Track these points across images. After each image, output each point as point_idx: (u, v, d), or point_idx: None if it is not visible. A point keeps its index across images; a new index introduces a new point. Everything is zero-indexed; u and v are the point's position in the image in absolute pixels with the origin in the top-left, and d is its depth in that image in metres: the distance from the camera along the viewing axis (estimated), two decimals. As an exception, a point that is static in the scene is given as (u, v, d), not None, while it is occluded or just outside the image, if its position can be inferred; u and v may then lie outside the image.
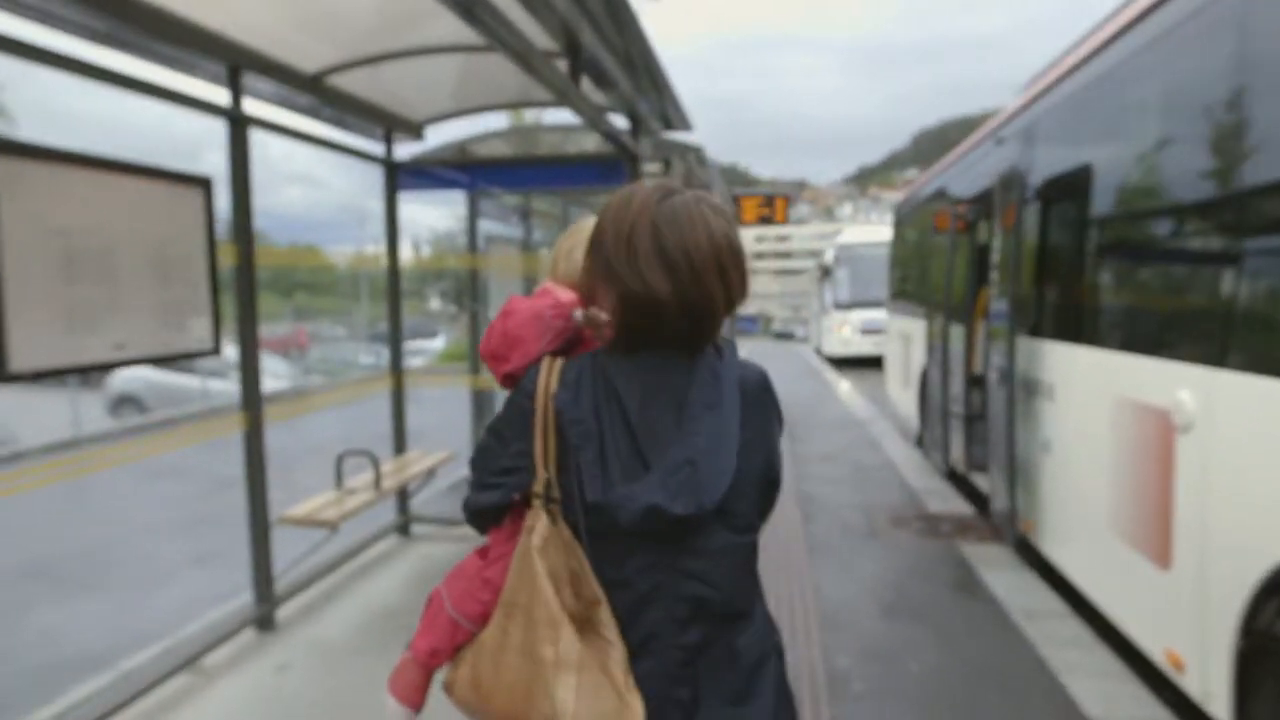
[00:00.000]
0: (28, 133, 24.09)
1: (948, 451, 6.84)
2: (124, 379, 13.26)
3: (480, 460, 1.35)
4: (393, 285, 5.18)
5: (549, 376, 1.27)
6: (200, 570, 5.60)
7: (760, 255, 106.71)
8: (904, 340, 9.56)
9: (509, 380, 1.37)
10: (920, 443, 8.64)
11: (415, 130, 5.16)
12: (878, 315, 20.10)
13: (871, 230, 26.07)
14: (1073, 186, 4.36)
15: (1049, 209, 4.73)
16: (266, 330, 24.03)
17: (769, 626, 1.37)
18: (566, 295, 1.45)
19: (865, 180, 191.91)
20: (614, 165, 4.71)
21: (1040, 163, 4.82)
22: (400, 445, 5.21)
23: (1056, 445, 4.44)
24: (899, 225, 10.66)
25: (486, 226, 6.67)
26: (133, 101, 3.62)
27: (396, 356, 5.27)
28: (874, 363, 19.67)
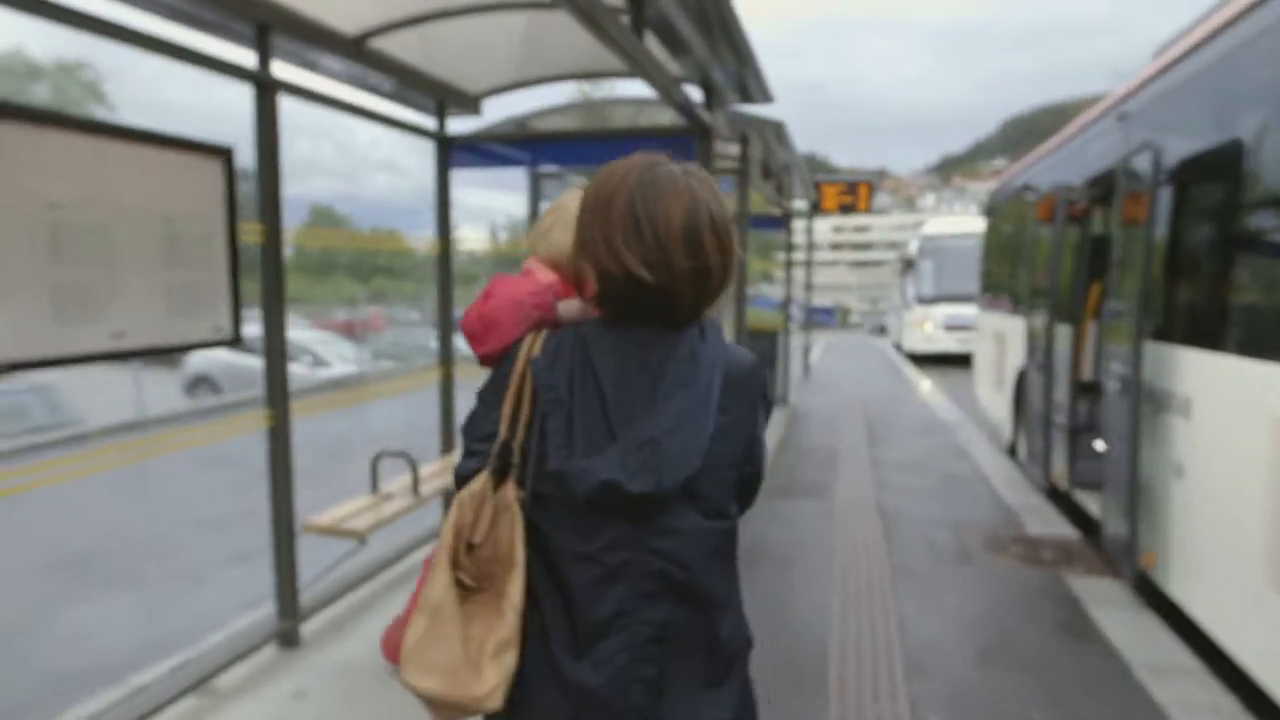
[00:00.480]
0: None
1: (1048, 465, 6.16)
2: (201, 359, 13.43)
3: (469, 427, 1.35)
4: (443, 270, 4.83)
5: (533, 343, 1.29)
6: (238, 569, 5.37)
7: (837, 246, 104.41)
8: (997, 339, 8.83)
9: (486, 360, 1.38)
10: (1013, 452, 7.94)
11: (471, 104, 4.78)
12: (963, 311, 19.18)
13: (957, 221, 24.92)
14: (1219, 167, 3.70)
15: (1188, 194, 4.06)
16: (343, 313, 24.39)
17: (744, 619, 1.37)
18: (547, 276, 1.44)
19: (949, 170, 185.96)
20: (685, 141, 4.24)
21: (1178, 140, 4.15)
22: (447, 443, 4.86)
23: (1192, 469, 3.80)
24: (993, 215, 9.90)
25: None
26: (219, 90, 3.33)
27: (446, 346, 4.91)
28: (957, 360, 18.84)
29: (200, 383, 13.63)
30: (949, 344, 19.25)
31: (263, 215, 3.30)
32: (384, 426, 7.68)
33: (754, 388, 1.30)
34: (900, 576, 4.61)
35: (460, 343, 3.04)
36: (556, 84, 4.95)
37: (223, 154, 3.01)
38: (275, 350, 3.40)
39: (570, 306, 1.37)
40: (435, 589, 1.22)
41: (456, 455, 4.76)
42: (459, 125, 4.83)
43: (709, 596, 1.26)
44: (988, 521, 5.74)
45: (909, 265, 21.13)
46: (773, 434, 7.98)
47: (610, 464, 1.16)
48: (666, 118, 5.05)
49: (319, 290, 37.92)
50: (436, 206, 4.74)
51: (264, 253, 3.32)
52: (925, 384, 14.06)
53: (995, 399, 8.96)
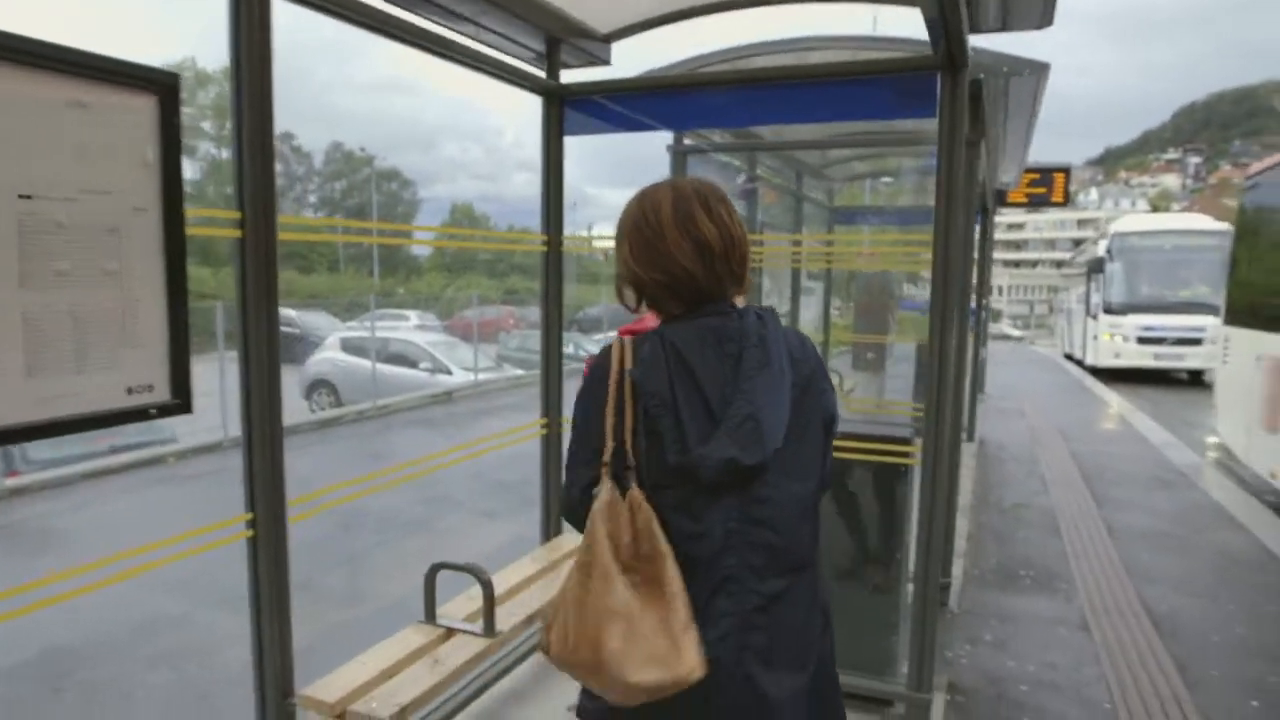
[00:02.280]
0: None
1: None
2: (315, 361, 12.84)
3: (575, 450, 1.43)
4: (552, 273, 3.48)
5: (622, 355, 1.37)
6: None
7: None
8: (1271, 369, 6.76)
9: None
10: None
11: (596, 46, 3.42)
12: (1161, 321, 16.57)
13: (1155, 219, 21.91)
14: None
15: None
16: (475, 312, 23.88)
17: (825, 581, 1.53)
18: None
19: (1113, 163, 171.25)
20: (915, 84, 2.73)
21: None
22: (552, 525, 3.49)
23: None
24: (1256, 210, 7.75)
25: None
26: None
27: (553, 386, 3.56)
28: (1147, 377, 16.24)
29: (319, 386, 13.01)
30: (1143, 359, 16.69)
31: (239, 184, 2.02)
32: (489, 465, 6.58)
33: (812, 357, 1.47)
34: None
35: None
36: (719, 20, 3.50)
37: (159, 87, 1.74)
38: (263, 389, 2.12)
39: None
40: (617, 597, 1.30)
41: (567, 540, 3.43)
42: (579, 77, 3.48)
43: (802, 559, 1.42)
44: (1330, 650, 3.91)
45: (1096, 268, 18.45)
46: (963, 479, 6.26)
47: (724, 444, 1.32)
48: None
49: (450, 290, 38.12)
50: (545, 184, 3.41)
51: (241, 248, 2.04)
52: (1126, 409, 11.76)
53: (1266, 444, 6.88)
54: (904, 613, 3.21)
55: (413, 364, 13.35)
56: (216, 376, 9.86)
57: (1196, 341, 16.12)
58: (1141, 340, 16.69)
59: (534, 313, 30.28)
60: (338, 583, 5.55)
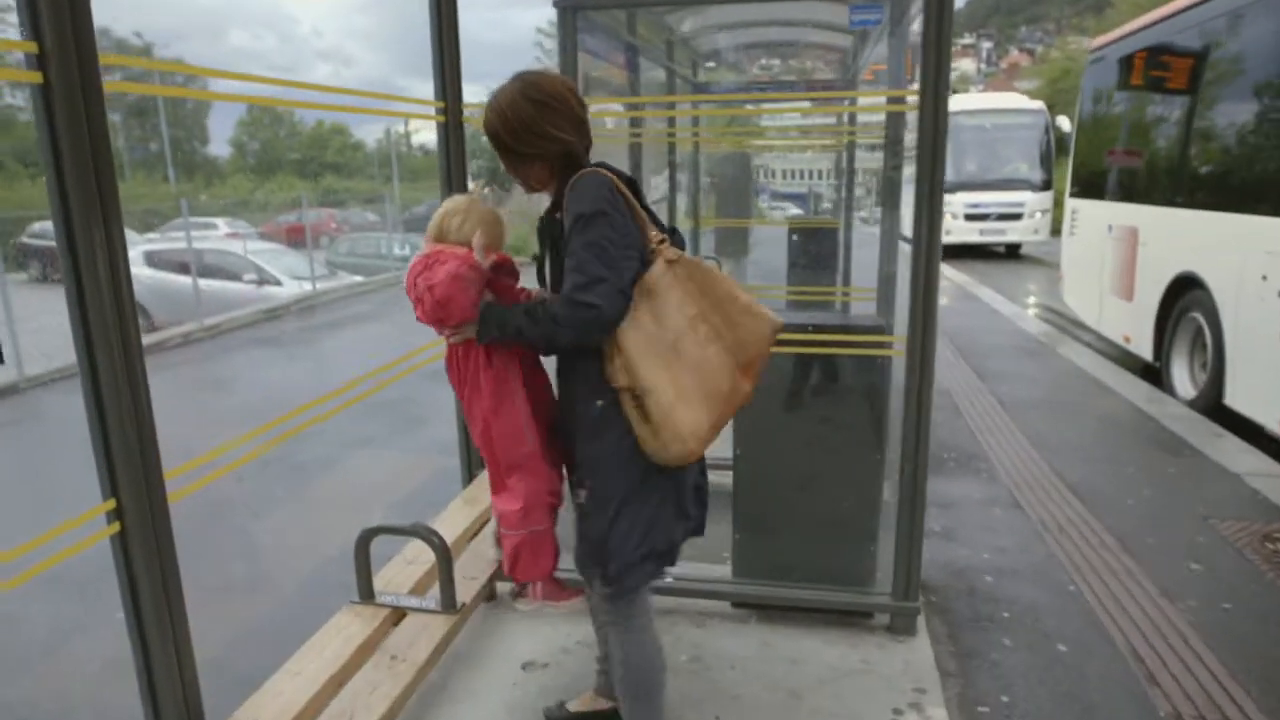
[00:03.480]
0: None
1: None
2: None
3: (618, 257, 1.76)
4: (454, 143, 2.81)
5: (612, 177, 1.83)
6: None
7: (805, 130, 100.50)
8: (1124, 237, 7.03)
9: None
10: (1160, 379, 6.32)
11: None
12: (983, 198, 17.44)
13: (976, 99, 22.72)
14: None
15: None
16: (284, 217, 21.75)
17: None
18: (461, 251, 1.92)
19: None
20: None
21: None
22: (474, 459, 2.92)
23: None
24: (1109, 79, 7.91)
25: (590, 65, 4.28)
26: None
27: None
28: (966, 252, 17.11)
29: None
30: (970, 235, 17.57)
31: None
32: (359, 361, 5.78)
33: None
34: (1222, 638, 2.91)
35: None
36: None
37: None
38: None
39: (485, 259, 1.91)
40: (720, 376, 1.84)
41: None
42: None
43: None
44: (1220, 495, 4.07)
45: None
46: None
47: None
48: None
49: (260, 194, 34.78)
50: (435, 39, 2.69)
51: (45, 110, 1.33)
52: (968, 283, 12.31)
53: (1118, 311, 7.24)
54: (883, 520, 2.95)
55: (235, 276, 11.88)
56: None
57: (1017, 216, 17.13)
58: (969, 217, 17.53)
59: (356, 216, 28.06)
60: (218, 567, 4.24)
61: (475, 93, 2.87)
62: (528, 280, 2.10)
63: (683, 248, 1.94)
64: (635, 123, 5.57)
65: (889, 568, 2.90)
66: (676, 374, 1.78)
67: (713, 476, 2.24)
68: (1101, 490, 4.26)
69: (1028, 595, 3.21)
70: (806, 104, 10.66)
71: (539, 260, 2.00)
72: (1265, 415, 4.95)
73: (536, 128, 1.83)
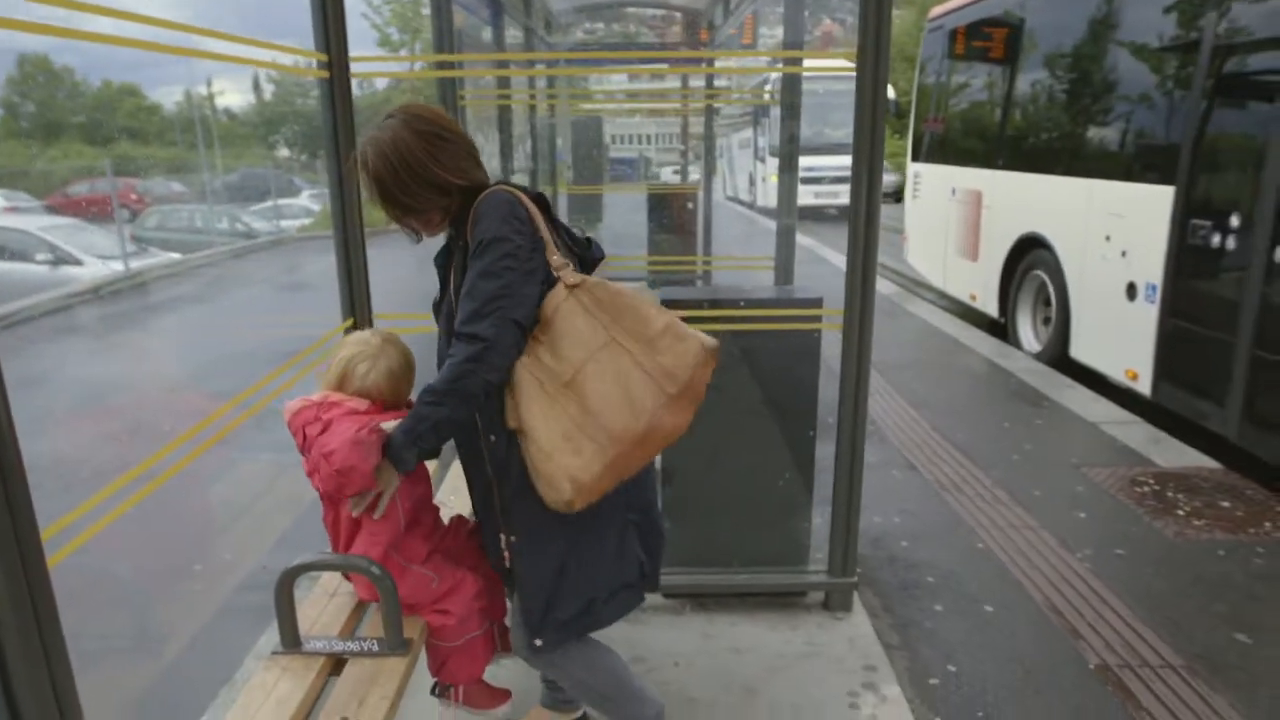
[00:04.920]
0: None
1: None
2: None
3: (528, 273, 1.60)
4: (340, 101, 2.44)
5: (521, 195, 1.66)
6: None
7: (633, 94, 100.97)
8: (968, 200, 7.40)
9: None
10: (1006, 334, 6.74)
11: None
12: (818, 161, 18.10)
13: (811, 64, 23.35)
14: None
15: None
16: (75, 188, 19.40)
17: None
18: (357, 403, 1.69)
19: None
20: None
21: None
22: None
23: None
24: (948, 48, 8.25)
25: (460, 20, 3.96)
26: None
27: (355, 252, 2.57)
28: (801, 213, 17.74)
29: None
30: (806, 198, 18.20)
31: None
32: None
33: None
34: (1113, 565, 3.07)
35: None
36: None
37: None
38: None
39: (388, 424, 1.63)
40: (633, 412, 1.61)
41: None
42: None
43: None
44: (1084, 443, 4.35)
45: (762, 112, 19.52)
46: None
47: (588, 243, 1.82)
48: None
49: (42, 162, 30.93)
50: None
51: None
52: (810, 244, 12.72)
53: (963, 270, 7.64)
54: (813, 496, 2.89)
55: (24, 257, 10.37)
56: None
57: (848, 179, 17.91)
58: (805, 180, 18.15)
59: (160, 186, 25.45)
60: (90, 622, 3.20)
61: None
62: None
63: (600, 259, 1.79)
64: (503, 83, 5.24)
65: (820, 544, 2.85)
66: (564, 413, 1.58)
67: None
68: (982, 446, 4.44)
69: (944, 558, 3.27)
70: (666, 65, 10.50)
71: (437, 301, 1.77)
72: (1109, 366, 5.34)
73: (427, 174, 1.61)
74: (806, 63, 4.01)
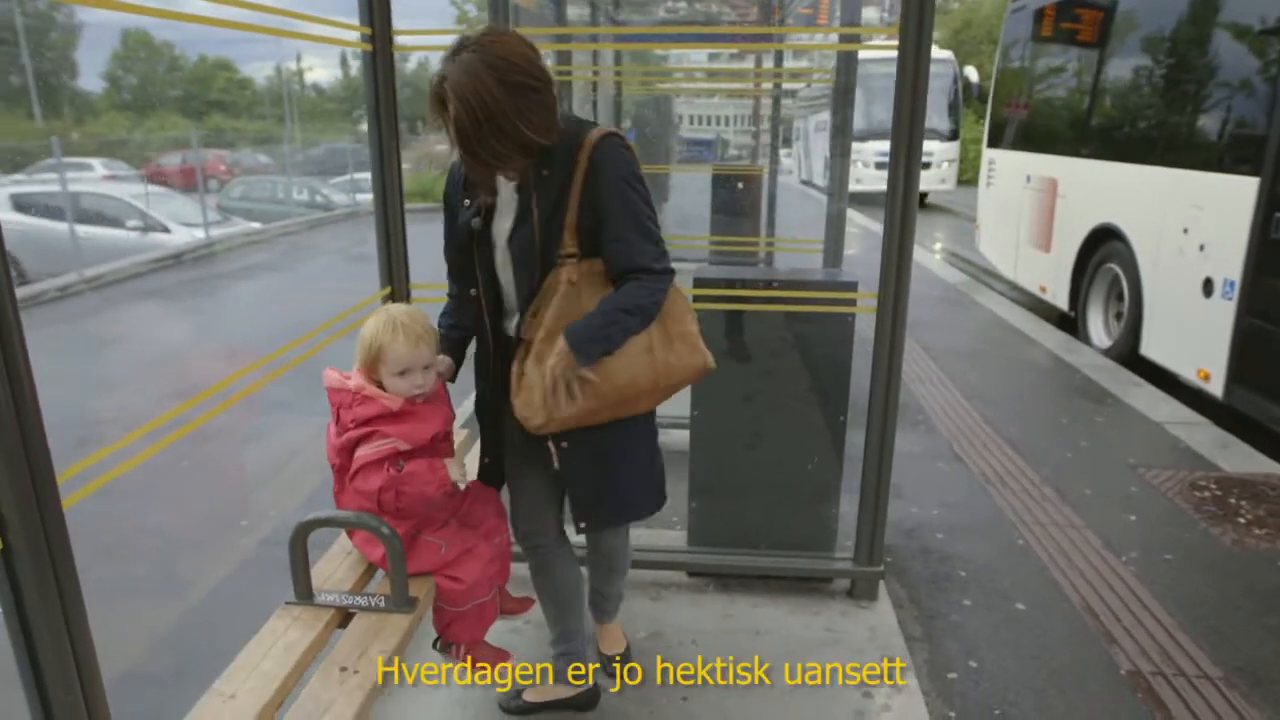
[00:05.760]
0: None
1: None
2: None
3: (657, 225, 1.71)
4: (383, 76, 2.49)
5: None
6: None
7: (713, 73, 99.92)
8: (1042, 189, 7.13)
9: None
10: (1076, 329, 6.50)
11: None
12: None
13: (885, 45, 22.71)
14: None
15: None
16: (168, 159, 20.24)
17: None
18: (390, 401, 1.74)
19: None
20: None
21: None
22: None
23: None
24: (1019, 38, 7.95)
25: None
26: None
27: (394, 223, 2.63)
28: (875, 200, 17.29)
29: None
30: (879, 184, 17.71)
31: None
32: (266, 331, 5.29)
33: None
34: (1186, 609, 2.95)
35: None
36: None
37: None
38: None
39: (452, 466, 1.81)
40: (621, 383, 1.73)
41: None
42: None
43: None
44: (1145, 444, 4.18)
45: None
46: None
47: None
48: None
49: (139, 133, 32.29)
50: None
51: None
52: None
53: (1035, 261, 7.38)
54: (845, 482, 2.85)
55: (117, 223, 10.93)
56: None
57: (925, 165, 17.38)
58: (879, 166, 17.72)
59: (248, 158, 26.38)
60: (118, 567, 3.46)
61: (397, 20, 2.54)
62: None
63: None
64: (562, 59, 5.25)
65: (849, 531, 2.82)
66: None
67: (669, 436, 2.26)
68: (1035, 441, 4.31)
69: (980, 553, 3.19)
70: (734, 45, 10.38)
71: (479, 229, 1.76)
72: (1182, 365, 5.10)
73: (515, 133, 1.48)
74: (861, 41, 3.90)
